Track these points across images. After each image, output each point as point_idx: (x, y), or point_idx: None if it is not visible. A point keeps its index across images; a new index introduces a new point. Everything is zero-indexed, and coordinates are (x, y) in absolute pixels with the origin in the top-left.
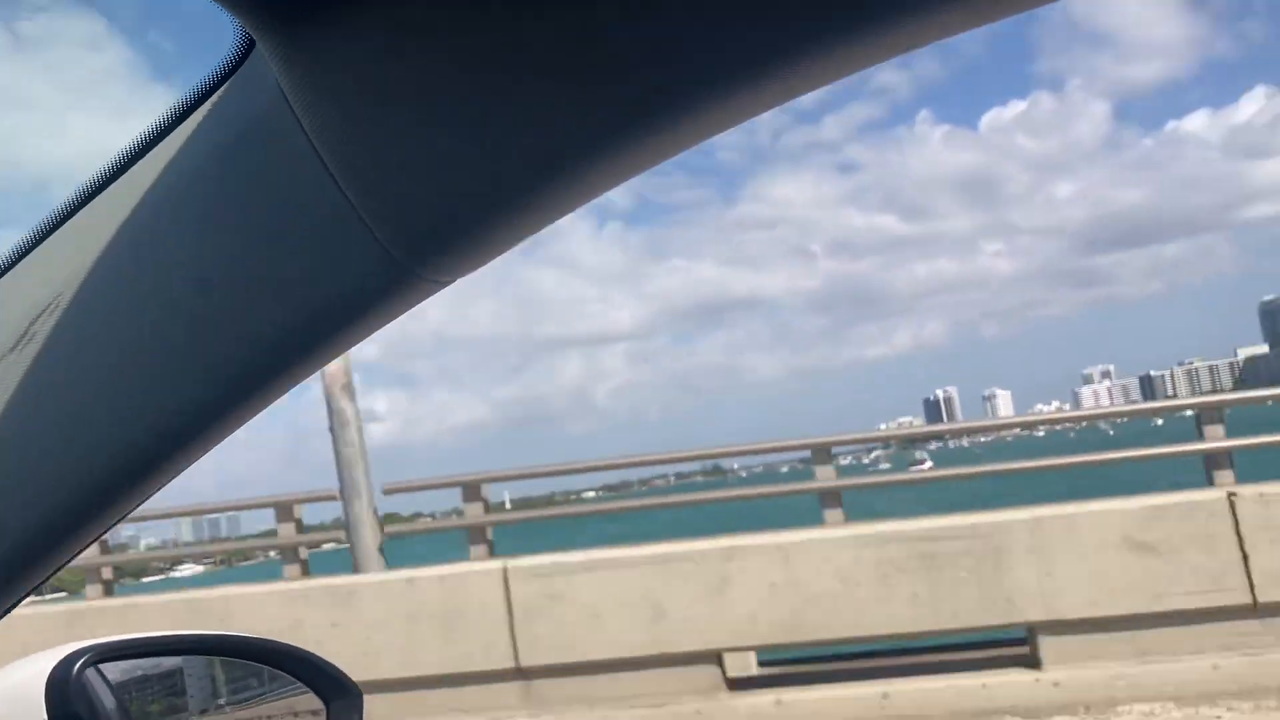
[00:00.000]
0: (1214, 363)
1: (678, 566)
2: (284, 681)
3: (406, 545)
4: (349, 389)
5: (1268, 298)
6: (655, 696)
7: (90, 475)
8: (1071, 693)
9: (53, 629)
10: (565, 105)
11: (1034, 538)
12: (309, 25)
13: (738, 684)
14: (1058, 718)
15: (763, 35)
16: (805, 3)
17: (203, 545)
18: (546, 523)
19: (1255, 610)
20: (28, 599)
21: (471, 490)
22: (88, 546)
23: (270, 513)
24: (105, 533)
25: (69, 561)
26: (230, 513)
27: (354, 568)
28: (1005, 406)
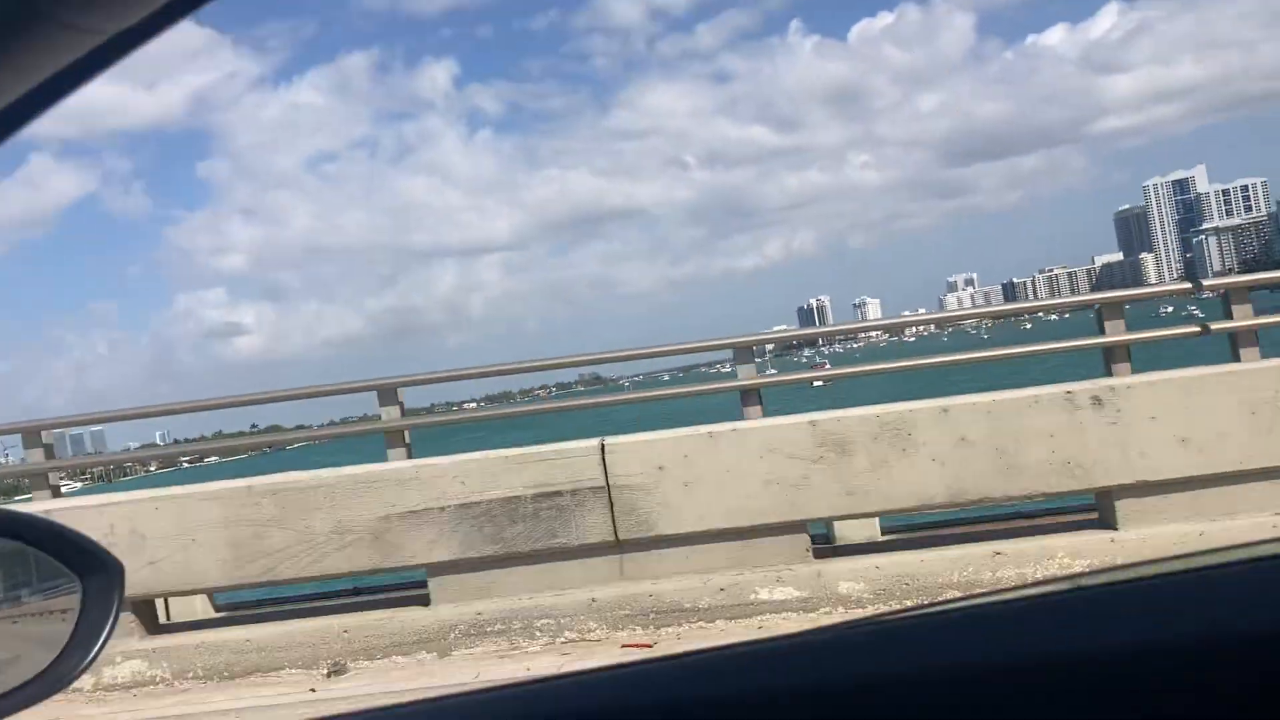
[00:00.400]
0: (1073, 269)
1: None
2: (42, 577)
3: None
4: None
5: (1122, 208)
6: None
7: None
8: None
9: None
10: None
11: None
12: None
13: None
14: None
15: None
16: None
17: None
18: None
19: None
20: None
21: (388, 394)
22: None
23: (133, 426)
24: None
25: None
26: (94, 427)
27: None
28: (875, 313)
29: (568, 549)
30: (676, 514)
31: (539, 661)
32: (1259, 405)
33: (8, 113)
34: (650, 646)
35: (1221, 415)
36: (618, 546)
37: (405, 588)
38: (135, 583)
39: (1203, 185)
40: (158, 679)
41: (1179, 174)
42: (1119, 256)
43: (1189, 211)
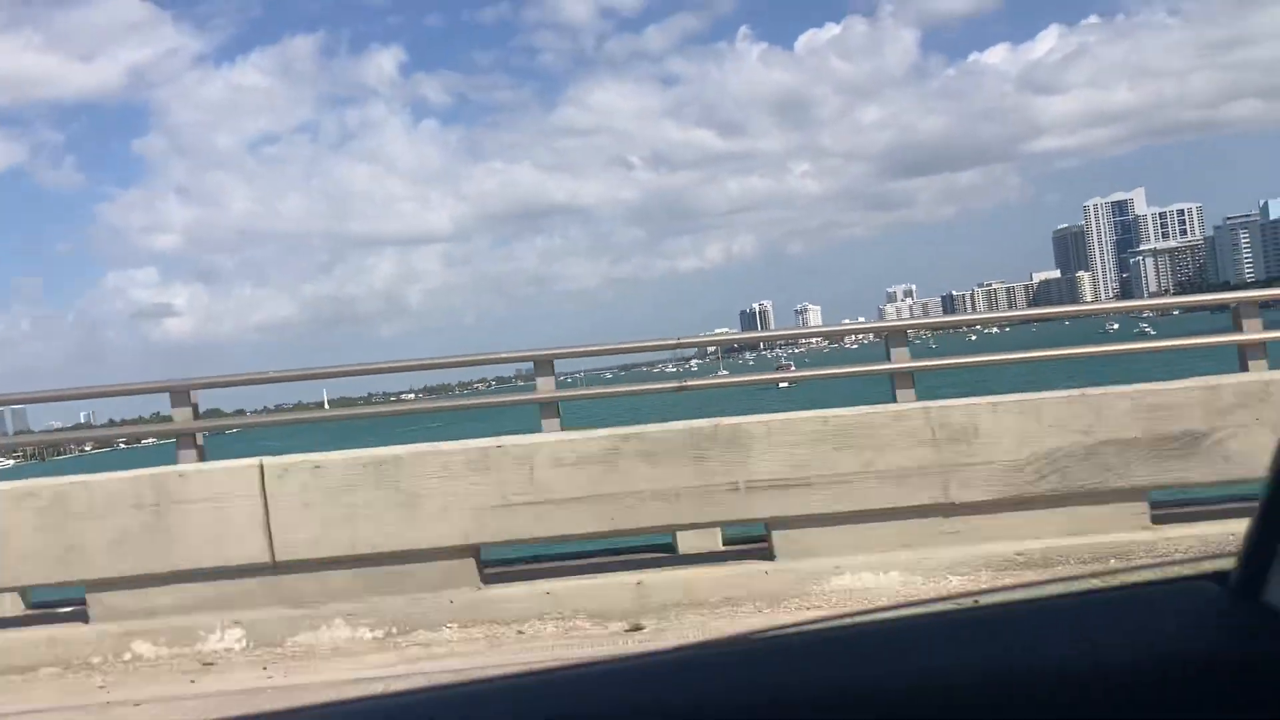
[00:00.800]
0: (1011, 285)
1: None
2: None
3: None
4: None
5: (1060, 227)
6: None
7: None
8: None
9: None
10: None
11: None
12: None
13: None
14: None
15: None
16: None
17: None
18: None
19: None
20: None
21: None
22: None
23: (60, 406)
24: None
25: None
26: (16, 406)
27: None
28: (816, 320)
29: None
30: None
31: None
32: None
33: None
34: None
35: None
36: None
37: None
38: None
39: (1141, 208)
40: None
41: (1119, 195)
42: (1056, 274)
43: (1127, 233)
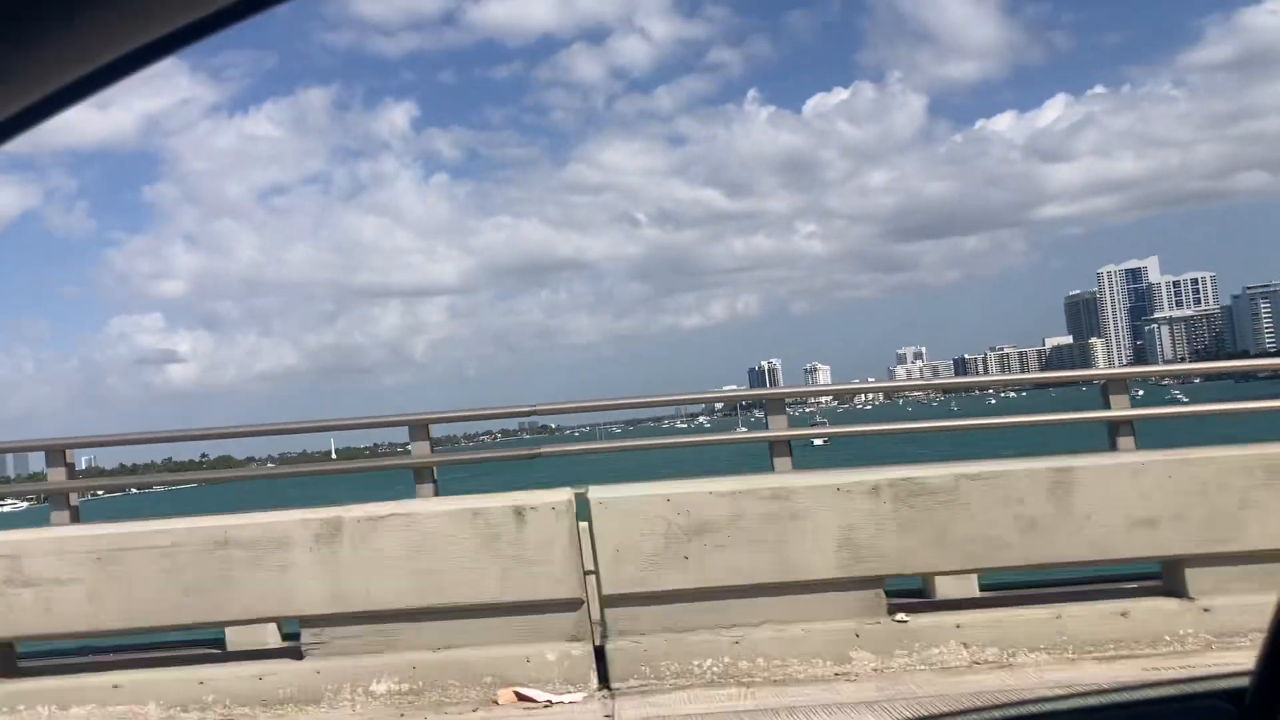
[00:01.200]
0: (1024, 349)
1: None
2: None
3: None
4: None
5: (1072, 293)
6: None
7: None
8: None
9: None
10: None
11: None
12: None
13: None
14: None
15: None
16: None
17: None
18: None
19: None
20: None
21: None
22: None
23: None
24: None
25: None
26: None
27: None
28: (825, 379)
29: None
30: None
31: None
32: None
33: None
34: None
35: None
36: None
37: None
38: None
39: (1155, 275)
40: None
41: (1133, 263)
42: (1069, 339)
43: (1140, 300)
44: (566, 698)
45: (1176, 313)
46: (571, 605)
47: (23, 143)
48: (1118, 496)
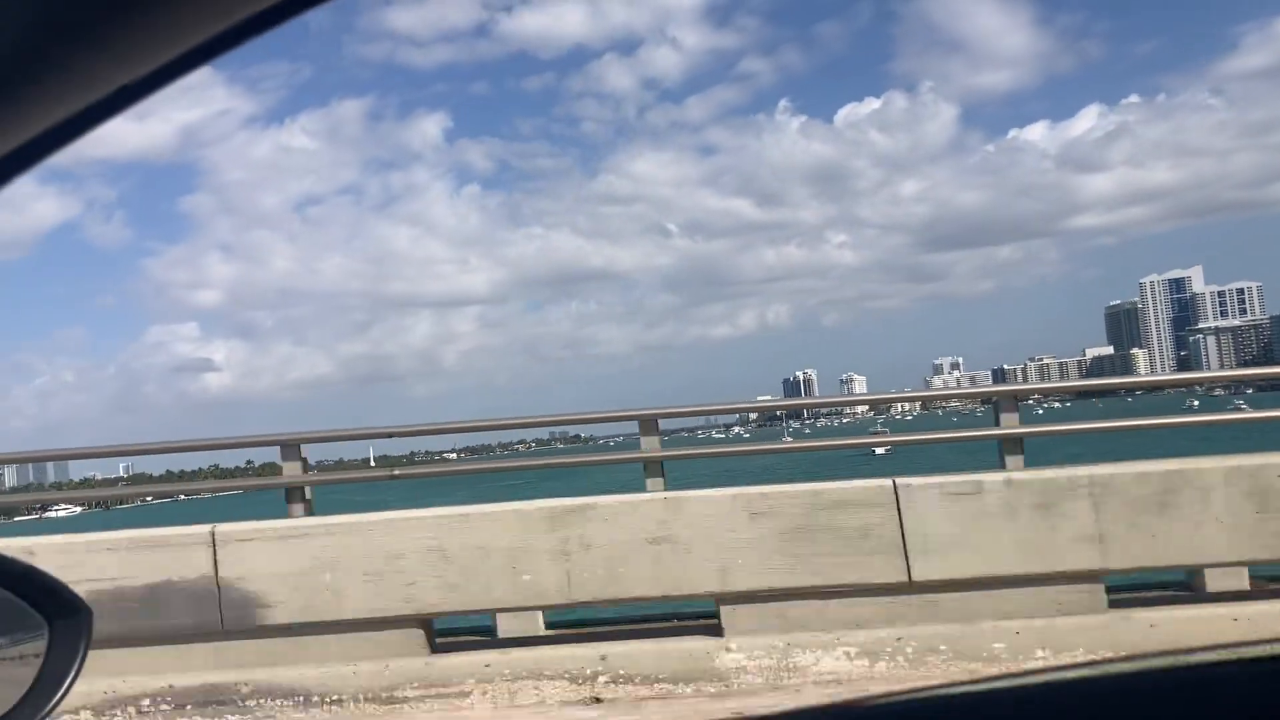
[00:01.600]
0: (1063, 360)
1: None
2: (10, 619)
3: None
4: None
5: (1113, 303)
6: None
7: None
8: None
9: None
10: None
11: None
12: None
13: None
14: None
15: None
16: None
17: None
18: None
19: None
20: None
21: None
22: None
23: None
24: None
25: None
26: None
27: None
28: (861, 389)
29: None
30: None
31: None
32: None
33: (15, 155)
34: None
35: None
36: None
37: None
38: None
39: (1199, 285)
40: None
41: (1176, 273)
42: (1109, 350)
43: (1184, 310)
44: None
45: (1223, 323)
46: None
47: (62, 154)
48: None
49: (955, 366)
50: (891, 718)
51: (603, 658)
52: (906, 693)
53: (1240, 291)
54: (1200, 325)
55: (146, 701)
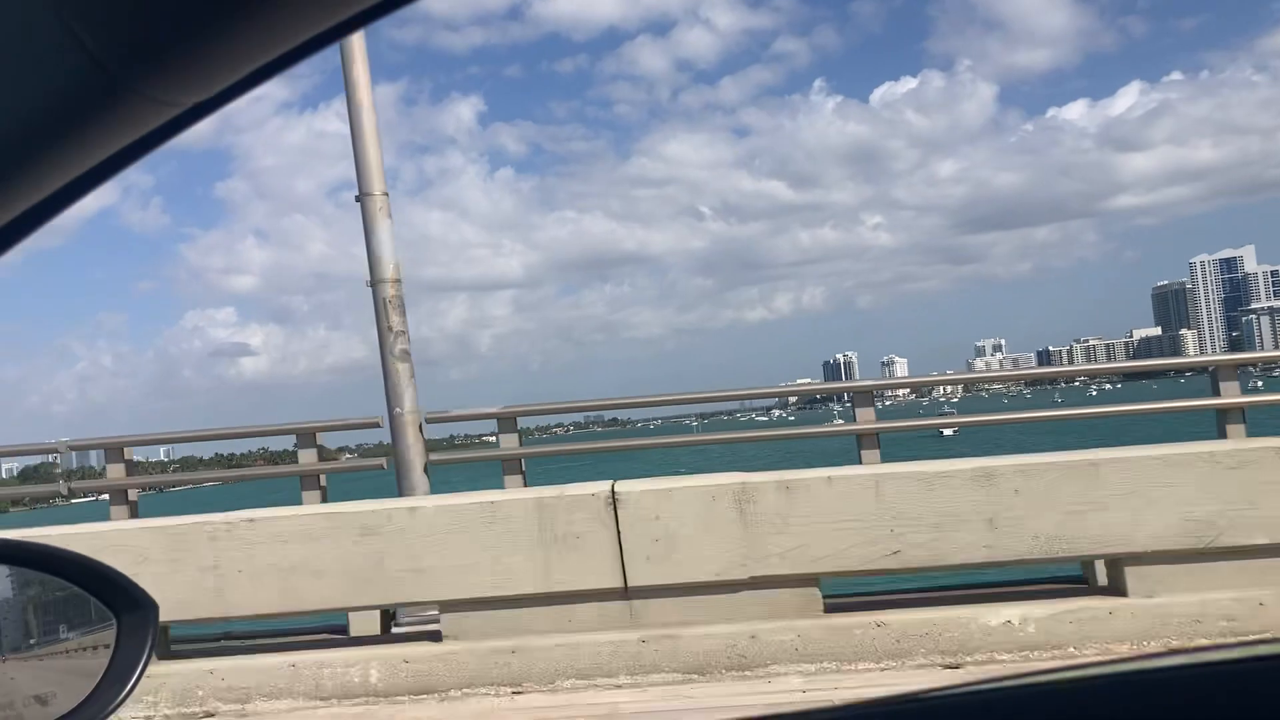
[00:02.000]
0: (1110, 341)
1: None
2: (80, 613)
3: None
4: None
5: (1160, 283)
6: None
7: None
8: None
9: None
10: None
11: None
12: None
13: None
14: None
15: None
16: None
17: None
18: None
19: None
20: None
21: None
22: None
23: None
24: None
25: None
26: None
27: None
28: (903, 372)
29: None
30: None
31: None
32: None
33: (80, 180)
34: None
35: None
36: None
37: None
38: None
39: (1251, 265)
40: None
41: (1227, 252)
42: (1157, 331)
43: (1235, 290)
44: None
45: (1277, 303)
46: None
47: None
48: None
49: (997, 349)
50: (903, 718)
51: None
52: (917, 694)
53: None
54: (1253, 305)
55: None
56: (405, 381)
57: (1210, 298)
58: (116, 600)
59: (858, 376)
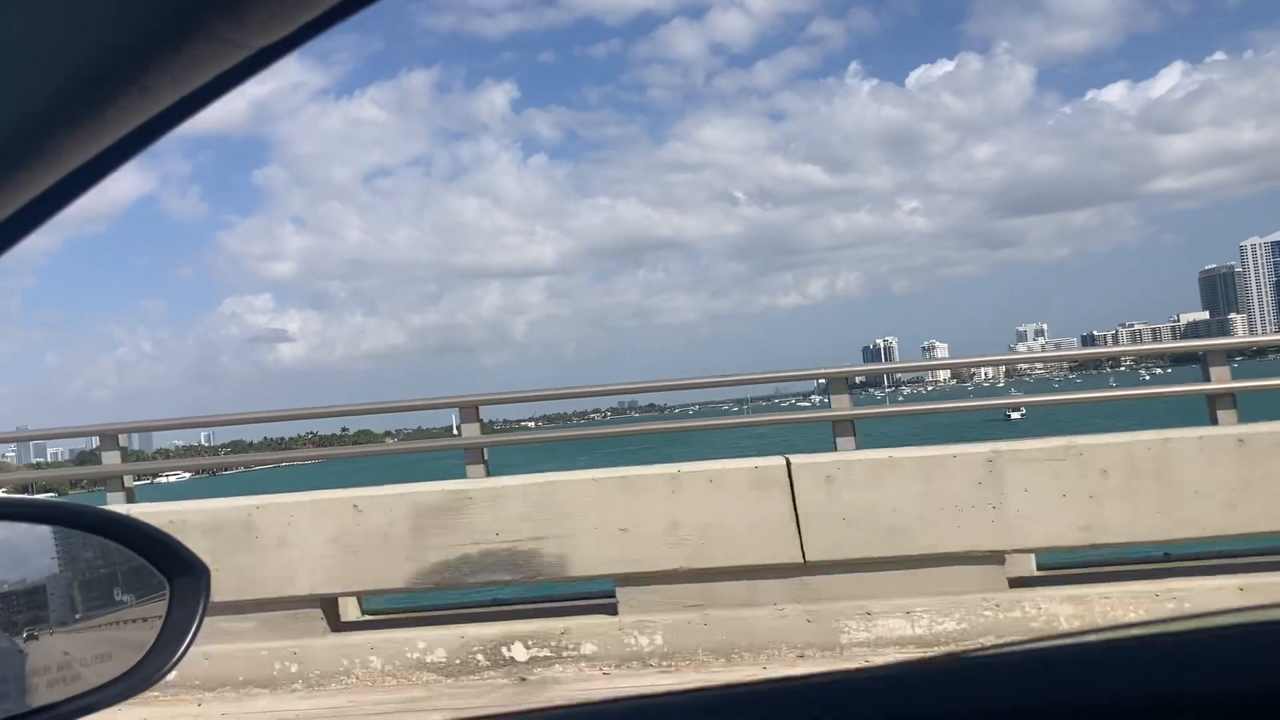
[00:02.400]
0: (1156, 325)
1: None
2: (132, 577)
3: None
4: None
5: (1208, 267)
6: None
7: None
8: None
9: None
10: None
11: None
12: None
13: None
14: None
15: None
16: None
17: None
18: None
19: None
20: None
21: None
22: None
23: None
24: None
25: None
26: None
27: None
28: (944, 356)
29: None
30: None
31: None
32: None
33: (158, 120)
34: None
35: None
36: None
37: None
38: None
39: None
40: None
41: (1279, 235)
42: (1204, 315)
43: None
44: None
45: None
46: None
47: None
48: None
49: (1040, 333)
50: (894, 685)
51: None
52: (914, 661)
53: None
54: None
55: None
56: None
57: (1261, 281)
58: (169, 565)
59: (898, 360)
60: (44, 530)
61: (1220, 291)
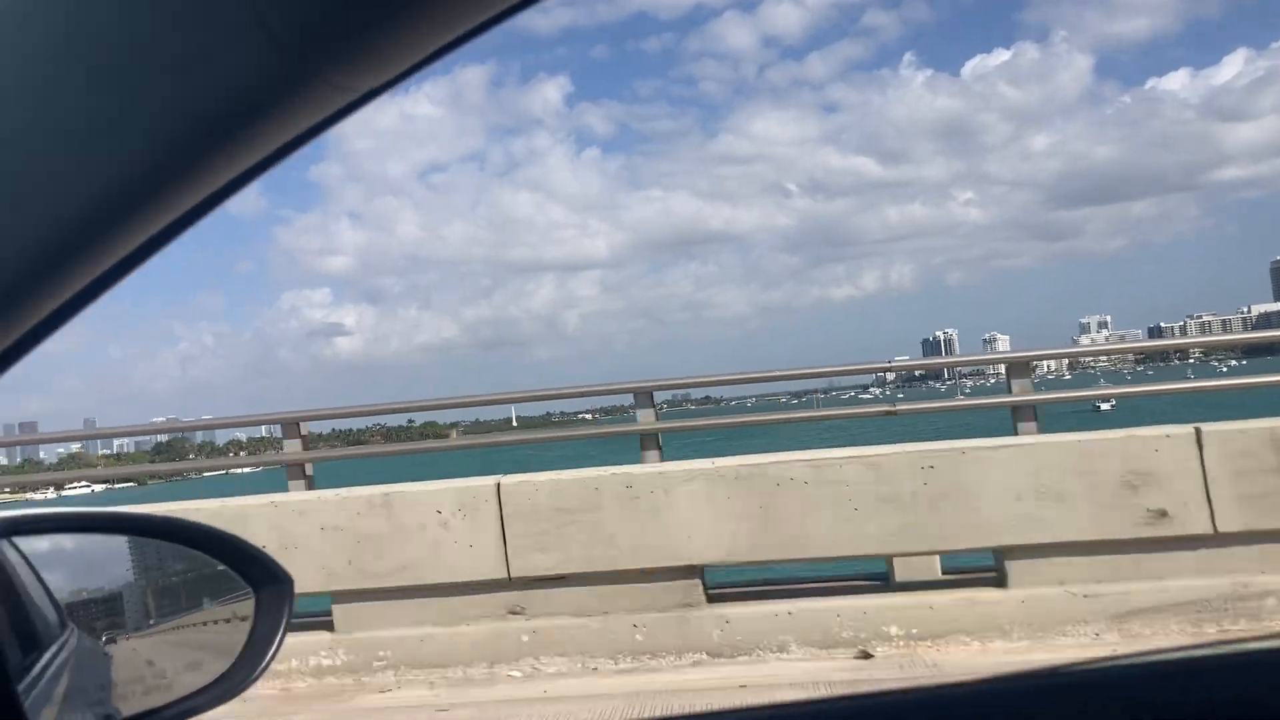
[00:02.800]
0: (1226, 316)
1: None
2: (217, 583)
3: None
4: None
5: (1279, 257)
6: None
7: None
8: None
9: None
10: None
11: None
12: None
13: None
14: None
15: None
16: None
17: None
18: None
19: None
20: None
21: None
22: None
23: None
24: None
25: None
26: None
27: None
28: (1005, 348)
29: None
30: None
31: None
32: None
33: (253, 168)
34: None
35: None
36: None
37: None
38: None
39: None
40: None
41: None
42: (1276, 306)
43: None
44: None
45: None
46: None
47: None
48: None
49: (1103, 325)
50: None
51: None
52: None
53: None
54: None
55: None
56: None
57: None
58: (254, 575)
59: (958, 353)
60: (119, 540)
61: None
